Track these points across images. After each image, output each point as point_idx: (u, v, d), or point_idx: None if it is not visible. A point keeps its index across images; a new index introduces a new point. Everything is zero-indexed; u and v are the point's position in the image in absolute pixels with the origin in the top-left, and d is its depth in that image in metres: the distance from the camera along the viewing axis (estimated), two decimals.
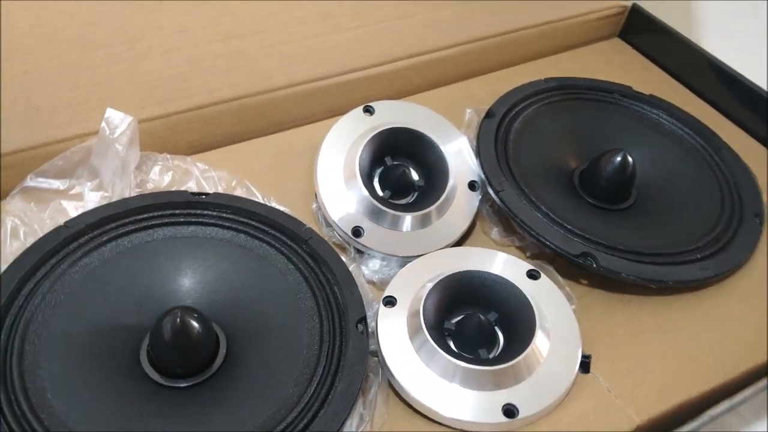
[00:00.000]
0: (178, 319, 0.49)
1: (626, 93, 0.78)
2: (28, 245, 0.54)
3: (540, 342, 0.54)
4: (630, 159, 0.67)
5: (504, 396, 0.51)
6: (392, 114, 0.68)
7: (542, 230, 0.61)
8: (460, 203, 0.65)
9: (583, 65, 0.84)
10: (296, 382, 0.50)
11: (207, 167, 0.63)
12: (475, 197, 0.66)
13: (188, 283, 0.55)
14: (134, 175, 0.60)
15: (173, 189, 0.61)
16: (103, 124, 0.56)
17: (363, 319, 0.54)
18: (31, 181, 0.57)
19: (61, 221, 0.56)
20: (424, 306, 0.54)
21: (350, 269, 0.60)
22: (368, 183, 0.64)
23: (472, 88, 0.79)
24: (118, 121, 0.56)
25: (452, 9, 0.76)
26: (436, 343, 0.52)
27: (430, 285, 0.55)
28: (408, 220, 0.62)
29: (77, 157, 0.57)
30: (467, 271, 0.57)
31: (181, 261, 0.55)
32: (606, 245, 0.61)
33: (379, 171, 0.67)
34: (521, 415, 0.51)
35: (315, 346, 0.52)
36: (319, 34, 0.68)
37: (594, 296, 0.61)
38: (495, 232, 0.65)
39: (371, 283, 0.61)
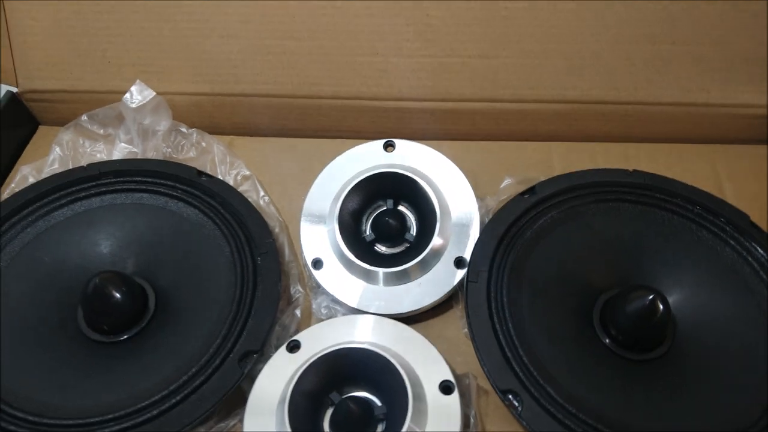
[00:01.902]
0: (97, 284, 0.55)
1: (737, 225, 0.60)
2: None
3: None
4: (660, 306, 0.53)
5: None
6: (411, 157, 0.63)
7: (494, 367, 0.51)
8: (438, 276, 0.59)
9: (702, 166, 0.67)
10: (219, 315, 0.55)
11: (226, 152, 0.67)
12: (458, 275, 0.59)
13: (124, 246, 0.61)
14: (163, 141, 0.67)
15: (190, 164, 0.66)
16: (127, 94, 0.63)
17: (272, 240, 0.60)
18: (83, 120, 0.67)
19: (92, 161, 0.67)
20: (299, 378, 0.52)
21: (300, 294, 0.61)
22: (350, 219, 0.62)
23: (545, 152, 0.68)
24: (142, 93, 0.62)
25: (554, 60, 0.65)
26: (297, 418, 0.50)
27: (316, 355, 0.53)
28: (363, 269, 0.59)
29: (118, 112, 0.65)
30: (367, 350, 0.52)
31: (125, 224, 0.61)
32: (587, 419, 0.48)
33: (373, 211, 0.64)
34: None
35: (231, 282, 0.57)
36: (377, 53, 0.65)
37: None
38: (464, 323, 0.58)
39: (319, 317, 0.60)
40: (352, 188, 0.61)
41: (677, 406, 0.52)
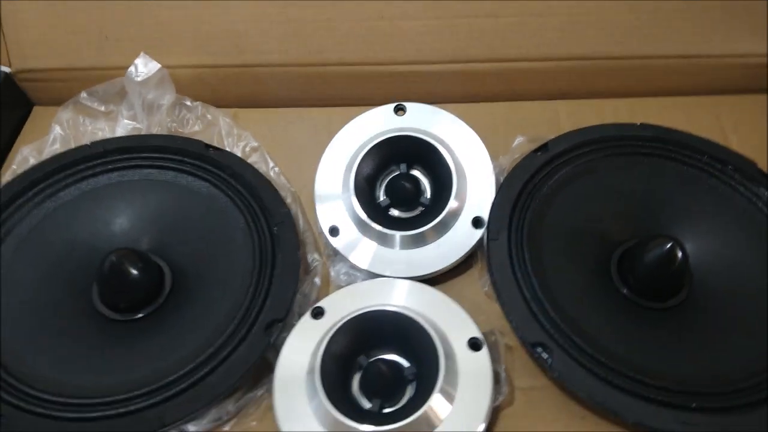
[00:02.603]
0: (113, 261, 0.54)
1: (745, 172, 0.61)
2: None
3: (437, 407, 0.49)
4: (679, 253, 0.54)
5: None
6: (423, 120, 0.63)
7: (522, 322, 0.52)
8: (456, 237, 0.59)
9: (706, 117, 0.68)
10: (240, 287, 0.54)
11: (232, 124, 0.66)
12: (476, 235, 0.59)
13: (136, 224, 0.59)
14: (168, 116, 0.65)
15: (196, 137, 0.64)
16: (132, 67, 0.61)
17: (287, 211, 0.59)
18: (83, 98, 0.65)
19: (94, 138, 0.65)
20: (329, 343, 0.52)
21: (318, 263, 0.60)
22: (365, 185, 0.62)
23: (553, 110, 0.69)
24: (146, 66, 0.61)
25: (559, 17, 0.65)
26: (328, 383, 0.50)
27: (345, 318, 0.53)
28: (380, 233, 0.59)
29: (119, 87, 0.63)
30: (394, 311, 0.53)
31: (135, 201, 0.60)
32: (618, 368, 0.49)
33: (387, 176, 0.63)
34: None
35: (249, 253, 0.56)
36: (384, 17, 0.64)
37: (546, 394, 0.53)
38: (485, 282, 0.59)
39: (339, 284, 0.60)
40: (365, 154, 0.61)
41: (696, 350, 0.53)
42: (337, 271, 0.60)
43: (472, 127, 0.63)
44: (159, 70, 0.61)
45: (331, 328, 0.53)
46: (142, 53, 0.61)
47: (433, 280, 0.59)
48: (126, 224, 0.60)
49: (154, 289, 0.57)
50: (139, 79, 0.60)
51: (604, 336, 0.52)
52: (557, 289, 0.54)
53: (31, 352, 0.53)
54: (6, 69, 0.68)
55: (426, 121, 0.63)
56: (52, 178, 0.61)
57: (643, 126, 0.63)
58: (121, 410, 0.49)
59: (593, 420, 0.51)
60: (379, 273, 0.59)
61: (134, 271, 0.55)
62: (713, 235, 0.59)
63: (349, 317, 0.53)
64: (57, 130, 0.64)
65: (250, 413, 0.52)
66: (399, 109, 0.64)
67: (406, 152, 0.62)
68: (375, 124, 0.63)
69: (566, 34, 0.65)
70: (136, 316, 0.56)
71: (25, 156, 0.63)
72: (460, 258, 0.59)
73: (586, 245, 0.58)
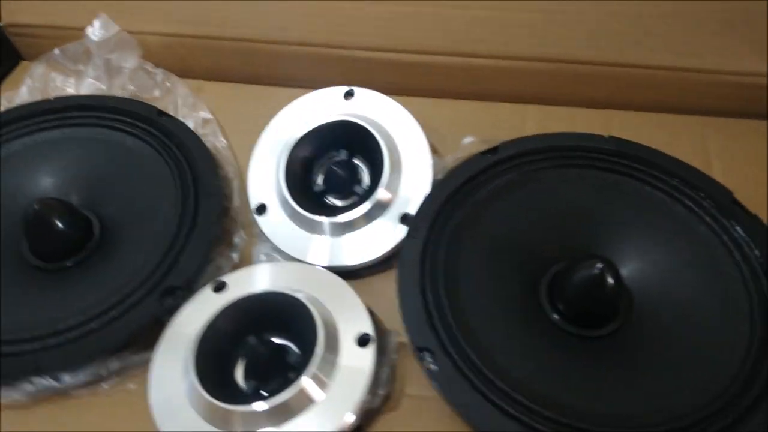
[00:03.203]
0: (36, 210, 0.55)
1: (718, 201, 0.54)
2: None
3: (306, 392, 0.46)
4: (609, 278, 0.48)
5: None
6: (371, 108, 0.60)
7: (414, 324, 0.48)
8: (382, 231, 0.56)
9: (690, 139, 0.61)
10: (154, 250, 0.54)
11: (190, 94, 0.66)
12: (401, 231, 0.55)
13: (75, 179, 0.61)
14: (130, 79, 0.66)
15: (154, 103, 0.65)
16: (89, 27, 0.62)
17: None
18: (56, 55, 0.67)
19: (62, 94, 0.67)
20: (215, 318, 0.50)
21: (242, 241, 0.59)
22: (300, 168, 0.59)
23: (520, 115, 0.64)
24: (105, 28, 0.62)
25: (532, 13, 0.60)
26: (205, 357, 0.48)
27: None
28: (305, 218, 0.56)
29: (86, 47, 0.65)
30: (287, 295, 0.50)
31: (81, 157, 0.61)
32: (511, 393, 0.44)
33: (326, 163, 0.61)
34: None
35: (172, 219, 0.56)
36: None
37: (434, 405, 0.48)
38: None
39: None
40: (303, 136, 0.59)
41: (622, 385, 0.48)
42: (258, 250, 0.58)
43: (428, 123, 0.60)
44: (118, 32, 0.62)
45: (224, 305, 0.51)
46: (101, 14, 0.62)
47: (356, 274, 0.56)
48: (68, 177, 0.62)
49: (80, 241, 0.58)
50: (96, 39, 0.62)
51: (507, 357, 0.47)
52: (469, 299, 0.50)
53: None
54: None
55: (374, 109, 0.60)
56: (8, 126, 0.63)
57: (610, 139, 0.58)
58: (3, 349, 0.50)
59: None
60: (299, 258, 0.57)
61: (56, 220, 0.56)
62: (666, 265, 0.53)
63: (242, 295, 0.51)
64: (29, 82, 0.67)
65: (131, 375, 0.51)
66: (348, 94, 0.61)
67: (346, 139, 0.59)
68: (321, 106, 0.61)
69: (538, 33, 0.60)
70: (61, 266, 0.57)
71: None
72: (384, 254, 0.56)
73: (515, 260, 0.54)
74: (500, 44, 0.61)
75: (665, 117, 0.63)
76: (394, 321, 0.51)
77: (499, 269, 0.53)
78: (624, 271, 0.51)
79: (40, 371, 0.49)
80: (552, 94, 0.63)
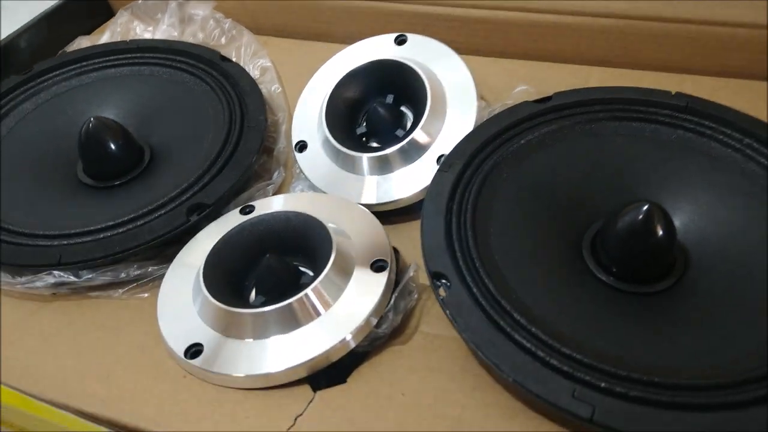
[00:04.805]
0: (90, 123, 0.58)
1: None
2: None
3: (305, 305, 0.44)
4: (657, 218, 0.43)
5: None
6: (422, 53, 0.58)
7: (432, 250, 0.44)
8: (417, 172, 0.53)
9: None
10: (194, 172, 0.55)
11: (253, 42, 0.68)
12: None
13: (134, 109, 0.63)
14: (201, 28, 0.69)
15: (217, 48, 0.67)
16: None
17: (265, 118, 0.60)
18: (138, 4, 0.72)
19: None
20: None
21: (281, 177, 0.59)
22: (343, 109, 0.59)
23: (583, 77, 0.60)
24: None
25: None
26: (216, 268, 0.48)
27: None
28: (343, 154, 0.55)
29: None
30: (302, 214, 0.49)
31: (144, 91, 0.64)
32: (530, 328, 0.39)
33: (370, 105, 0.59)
34: None
35: (216, 146, 0.57)
36: None
37: (448, 344, 0.44)
38: None
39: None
40: (346, 75, 0.58)
41: (659, 339, 0.42)
42: (294, 186, 0.58)
43: (486, 82, 0.58)
44: None
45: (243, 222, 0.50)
46: None
47: (390, 219, 0.54)
48: (127, 109, 0.64)
49: (130, 164, 0.60)
50: None
51: (531, 295, 0.43)
52: (497, 238, 0.46)
53: (23, 207, 0.57)
54: None
55: (424, 53, 0.58)
56: (84, 62, 0.67)
57: (678, 95, 0.53)
58: (29, 243, 0.52)
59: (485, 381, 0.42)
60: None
61: (108, 136, 0.58)
62: (735, 225, 0.46)
63: (261, 214, 0.50)
64: (112, 28, 0.72)
65: (148, 285, 0.51)
66: (401, 40, 0.60)
67: (392, 82, 0.58)
68: (373, 52, 0.60)
69: None
70: (111, 184, 0.59)
71: (79, 44, 0.71)
72: (418, 193, 0.53)
73: (557, 209, 0.49)
74: None
75: (747, 84, 0.56)
76: (422, 271, 0.49)
77: (537, 215, 0.48)
78: (682, 229, 0.46)
79: (62, 264, 0.50)
80: (619, 55, 0.59)
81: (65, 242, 0.51)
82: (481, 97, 0.56)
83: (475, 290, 0.42)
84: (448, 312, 0.42)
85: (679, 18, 0.56)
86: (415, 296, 0.47)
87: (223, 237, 0.49)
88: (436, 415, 0.40)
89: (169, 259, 0.52)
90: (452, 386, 0.42)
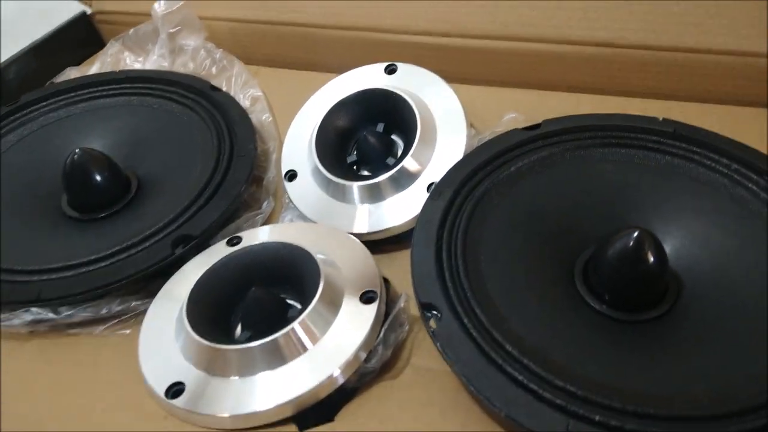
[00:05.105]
0: (75, 154, 0.57)
1: None
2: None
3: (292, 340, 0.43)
4: (648, 244, 0.43)
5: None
6: (412, 82, 0.58)
7: (422, 280, 0.43)
8: (407, 201, 0.53)
9: (760, 138, 0.54)
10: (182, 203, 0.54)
11: (243, 72, 0.68)
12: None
13: (123, 139, 0.63)
14: (191, 58, 0.69)
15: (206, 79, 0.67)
16: (156, 3, 0.66)
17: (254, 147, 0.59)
18: (129, 35, 0.72)
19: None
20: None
21: (270, 207, 0.58)
22: (334, 138, 0.58)
23: (573, 103, 0.60)
24: (169, 3, 0.65)
25: None
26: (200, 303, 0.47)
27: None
28: (334, 184, 0.54)
29: (155, 26, 0.69)
30: (289, 245, 0.48)
31: (132, 122, 0.64)
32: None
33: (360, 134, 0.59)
34: None
35: (204, 177, 0.56)
36: None
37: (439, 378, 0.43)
38: None
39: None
40: (337, 103, 0.58)
41: (655, 367, 0.41)
42: (283, 216, 0.57)
43: (474, 111, 0.58)
44: (182, 6, 0.65)
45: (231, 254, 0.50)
46: None
47: (381, 248, 0.53)
48: (114, 139, 0.64)
49: (116, 195, 0.59)
50: (160, 11, 0.65)
51: (523, 325, 0.42)
52: (488, 266, 0.45)
53: (3, 240, 0.56)
54: (87, 9, 0.77)
55: (414, 82, 0.59)
56: (72, 93, 0.67)
57: (665, 121, 0.53)
58: (7, 279, 0.50)
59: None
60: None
61: (93, 167, 0.57)
62: (726, 253, 0.46)
63: (249, 246, 0.50)
64: (102, 59, 0.72)
65: (130, 321, 0.50)
66: (390, 70, 0.60)
67: (383, 111, 0.58)
68: (363, 80, 0.60)
69: (591, 15, 0.57)
70: (96, 216, 0.58)
71: (68, 75, 0.71)
72: (408, 221, 0.52)
73: (547, 236, 0.48)
74: (550, 27, 0.59)
75: (731, 109, 0.57)
76: (413, 302, 0.48)
77: (528, 242, 0.48)
78: (674, 255, 0.46)
79: (41, 300, 0.49)
80: (606, 82, 0.59)
81: (45, 277, 0.50)
82: (470, 124, 0.56)
83: (466, 321, 0.41)
84: (438, 344, 0.41)
85: (663, 46, 0.56)
86: (406, 328, 0.46)
87: (207, 270, 0.48)
88: None
89: (153, 293, 0.51)
90: (443, 421, 0.41)
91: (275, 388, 0.41)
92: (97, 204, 0.59)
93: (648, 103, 0.59)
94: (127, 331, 0.49)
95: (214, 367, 0.42)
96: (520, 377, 0.38)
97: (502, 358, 0.39)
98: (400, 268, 0.51)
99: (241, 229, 0.55)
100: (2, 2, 0.76)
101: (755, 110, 0.56)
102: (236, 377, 0.42)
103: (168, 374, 0.43)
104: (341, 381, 0.42)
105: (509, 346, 0.40)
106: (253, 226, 0.56)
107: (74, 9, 0.77)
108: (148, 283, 0.51)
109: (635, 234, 0.43)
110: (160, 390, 0.42)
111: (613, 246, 0.44)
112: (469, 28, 0.62)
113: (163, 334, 0.46)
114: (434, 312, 0.42)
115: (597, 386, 0.38)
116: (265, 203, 0.58)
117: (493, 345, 0.40)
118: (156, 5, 0.67)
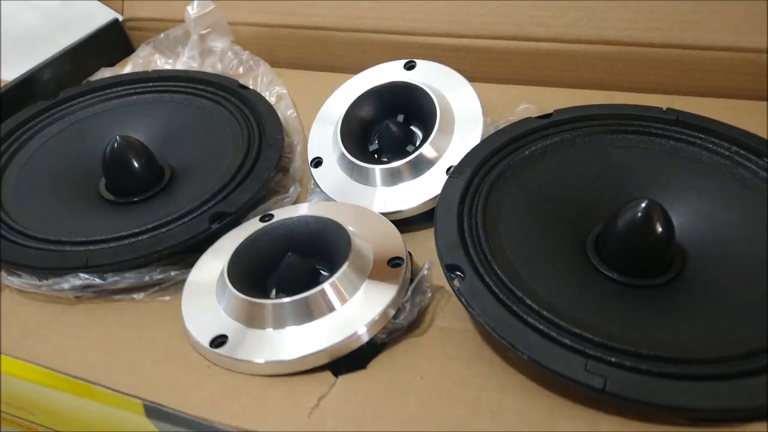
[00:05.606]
0: (116, 141, 0.61)
1: None
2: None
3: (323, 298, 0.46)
4: (656, 212, 0.46)
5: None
6: (431, 77, 0.62)
7: (446, 245, 0.47)
8: (428, 181, 0.56)
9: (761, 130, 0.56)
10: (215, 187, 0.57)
11: (268, 72, 0.72)
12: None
13: (157, 132, 0.67)
14: (219, 60, 0.74)
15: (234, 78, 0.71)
16: (189, 6, 0.71)
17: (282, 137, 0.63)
18: (160, 39, 0.76)
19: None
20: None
21: (297, 192, 0.62)
22: (358, 127, 0.62)
23: (582, 100, 0.63)
24: (201, 6, 0.70)
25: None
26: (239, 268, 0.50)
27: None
28: (357, 167, 0.58)
29: (186, 29, 0.73)
30: (320, 218, 0.52)
31: (165, 117, 0.68)
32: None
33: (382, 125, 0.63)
34: None
35: (236, 163, 0.60)
36: None
37: (463, 335, 0.46)
38: None
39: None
40: (360, 96, 0.62)
41: (663, 323, 0.44)
42: (309, 200, 0.61)
43: (490, 106, 0.61)
44: (212, 10, 0.70)
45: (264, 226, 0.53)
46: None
47: (403, 224, 0.56)
48: (149, 132, 0.67)
49: (150, 182, 0.63)
50: (193, 14, 0.70)
51: (540, 284, 0.45)
52: (506, 236, 0.49)
53: (48, 218, 0.59)
54: (119, 16, 0.82)
55: (433, 77, 0.63)
56: (108, 90, 0.71)
57: (669, 110, 0.57)
58: (56, 249, 0.54)
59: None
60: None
61: (131, 153, 0.61)
62: (730, 228, 0.49)
63: (281, 219, 0.53)
64: (135, 61, 0.76)
65: (170, 289, 0.53)
66: (410, 66, 0.65)
67: (403, 103, 0.62)
68: (384, 76, 0.65)
69: (598, 15, 0.62)
70: (131, 200, 0.62)
71: (102, 74, 0.75)
72: (429, 199, 0.56)
73: (561, 211, 0.52)
74: (561, 27, 0.63)
75: (732, 102, 0.61)
76: (434, 272, 0.51)
77: (543, 218, 0.51)
78: (679, 230, 0.49)
79: (88, 266, 0.52)
80: (614, 78, 0.63)
81: (91, 247, 0.53)
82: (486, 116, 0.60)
83: (488, 280, 0.45)
84: (463, 299, 0.44)
85: (668, 43, 0.61)
86: (429, 295, 0.49)
87: (245, 239, 0.51)
88: (455, 397, 0.42)
89: (189, 265, 0.54)
90: (468, 372, 0.43)
91: (309, 338, 0.44)
92: (133, 188, 0.62)
93: (653, 98, 0.63)
94: (167, 298, 0.52)
95: (252, 319, 0.46)
96: (541, 326, 0.42)
97: (523, 311, 0.43)
98: (417, 246, 0.54)
99: (271, 210, 0.59)
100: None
101: (755, 103, 0.60)
102: (271, 329, 0.45)
103: (212, 328, 0.46)
104: (371, 334, 0.45)
105: (529, 300, 0.43)
106: (281, 206, 0.59)
107: (110, 15, 0.82)
108: (186, 256, 0.55)
109: (643, 204, 0.47)
110: (205, 342, 0.45)
111: (623, 215, 0.48)
112: (484, 29, 0.66)
113: (205, 295, 0.49)
114: (458, 273, 0.46)
115: (612, 336, 0.41)
116: (291, 189, 0.62)
117: (514, 300, 0.43)
118: (189, 8, 0.71)
